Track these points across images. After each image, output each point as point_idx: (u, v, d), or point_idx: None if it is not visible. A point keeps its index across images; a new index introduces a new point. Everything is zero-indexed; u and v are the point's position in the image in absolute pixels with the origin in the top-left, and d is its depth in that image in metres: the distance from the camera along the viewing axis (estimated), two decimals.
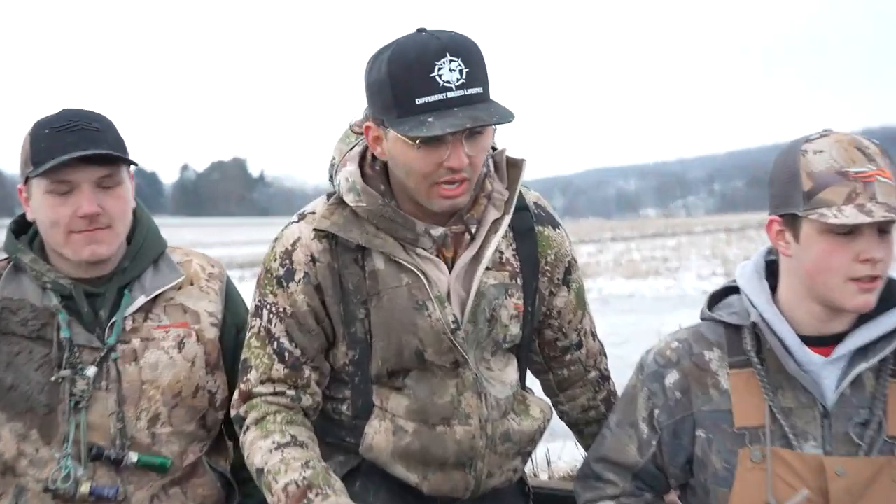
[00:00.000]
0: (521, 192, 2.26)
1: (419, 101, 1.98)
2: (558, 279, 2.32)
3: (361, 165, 2.17)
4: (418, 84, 1.98)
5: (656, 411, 2.12)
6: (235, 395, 2.20)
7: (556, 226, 2.32)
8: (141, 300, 2.31)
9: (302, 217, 2.20)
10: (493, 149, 2.26)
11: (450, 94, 1.98)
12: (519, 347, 2.31)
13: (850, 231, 1.90)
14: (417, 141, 2.01)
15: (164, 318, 2.34)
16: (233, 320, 2.42)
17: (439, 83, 1.97)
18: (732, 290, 2.16)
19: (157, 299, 2.35)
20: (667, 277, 20.96)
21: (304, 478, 2.05)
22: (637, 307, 15.78)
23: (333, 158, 2.24)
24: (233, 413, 2.20)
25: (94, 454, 2.23)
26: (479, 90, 2.01)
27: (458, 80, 1.98)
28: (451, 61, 1.98)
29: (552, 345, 2.39)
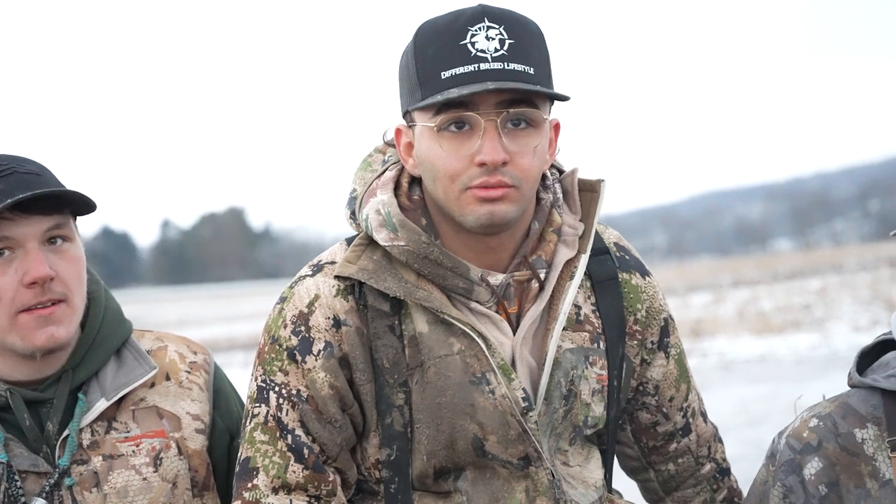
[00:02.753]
0: (597, 231, 2.27)
1: (445, 74, 2.04)
2: (652, 343, 2.32)
3: (396, 195, 2.18)
4: (445, 54, 2.03)
5: None
6: None
7: (644, 273, 2.32)
8: (101, 405, 2.31)
9: (318, 269, 2.21)
10: (560, 172, 2.26)
11: (483, 66, 2.02)
12: (603, 435, 2.30)
13: None
14: (435, 124, 2.05)
15: (132, 426, 2.34)
16: (225, 423, 2.43)
17: (471, 52, 2.03)
18: (889, 344, 2.15)
19: (123, 402, 2.35)
20: (810, 331, 20.76)
21: None
22: (772, 374, 15.63)
23: (354, 190, 2.26)
24: None
25: None
26: (529, 69, 2.03)
27: (496, 49, 2.03)
28: (488, 27, 2.04)
29: (650, 431, 2.38)
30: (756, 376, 15.39)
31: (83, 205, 2.30)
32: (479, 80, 2.02)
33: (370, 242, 2.18)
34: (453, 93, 2.01)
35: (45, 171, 2.30)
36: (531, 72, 2.05)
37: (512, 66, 2.03)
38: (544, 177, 2.22)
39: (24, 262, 2.24)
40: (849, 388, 2.15)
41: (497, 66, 2.03)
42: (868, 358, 2.17)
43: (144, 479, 2.31)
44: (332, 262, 2.20)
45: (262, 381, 2.19)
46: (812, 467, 2.11)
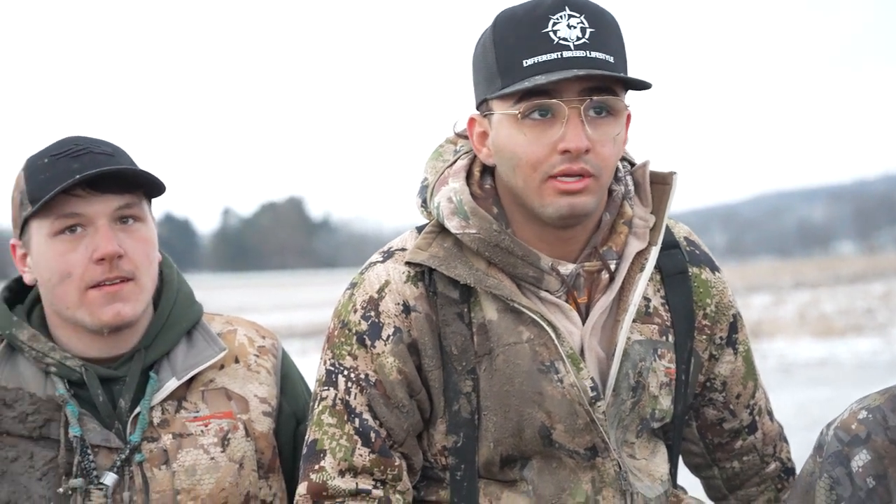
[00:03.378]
0: (668, 225, 2.27)
1: (527, 62, 2.05)
2: (721, 338, 2.31)
3: (468, 184, 2.20)
4: (527, 42, 2.05)
5: None
6: (302, 488, 2.19)
7: (714, 268, 2.32)
8: (171, 384, 2.35)
9: (389, 255, 2.22)
10: (632, 164, 2.27)
11: (566, 54, 2.04)
12: (669, 430, 2.30)
13: None
14: (519, 111, 2.05)
15: (202, 406, 2.37)
16: (291, 408, 2.45)
17: (553, 40, 2.04)
18: None
19: (193, 382, 2.38)
20: (873, 335, 20.55)
21: None
22: (832, 377, 15.49)
23: (425, 179, 2.27)
24: None
25: None
26: (609, 58, 2.05)
27: (577, 38, 2.05)
28: (570, 16, 2.05)
29: (716, 428, 2.37)
30: (816, 379, 15.25)
31: (153, 186, 2.34)
32: (564, 67, 2.03)
33: (441, 230, 2.19)
34: (539, 79, 2.02)
35: (119, 151, 2.34)
36: (611, 60, 2.06)
37: (594, 54, 2.05)
38: (616, 168, 2.22)
39: (93, 239, 2.27)
40: None
41: (580, 54, 2.04)
42: None
43: (212, 458, 2.34)
44: (403, 249, 2.21)
45: (330, 365, 2.20)
46: (860, 459, 2.09)
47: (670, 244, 2.27)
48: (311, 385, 2.33)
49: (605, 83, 2.07)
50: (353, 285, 2.22)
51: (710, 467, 2.42)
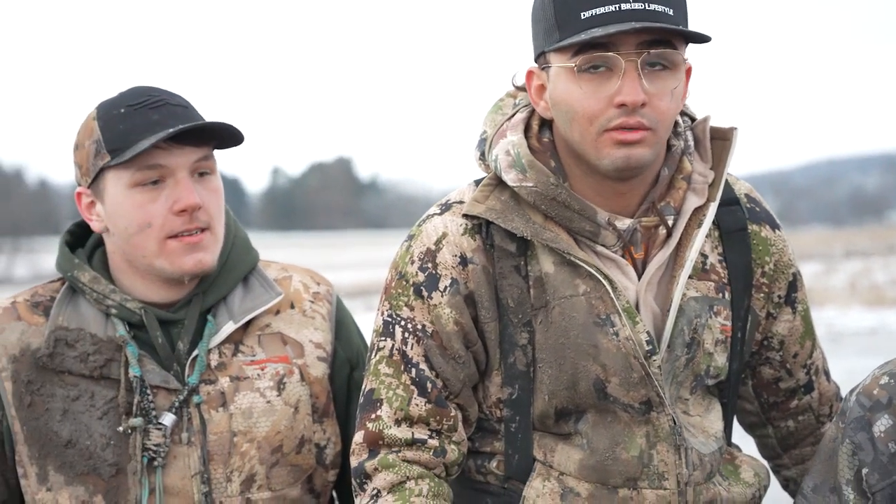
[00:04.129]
0: (729, 182, 2.27)
1: (585, 14, 2.05)
2: (779, 297, 2.30)
3: (526, 137, 2.20)
4: None
5: (864, 470, 2.10)
6: (358, 437, 2.19)
7: (775, 226, 2.30)
8: (229, 328, 2.38)
9: (447, 208, 2.22)
10: (692, 119, 2.26)
11: (624, 6, 2.03)
12: (724, 387, 2.29)
13: None
14: (576, 64, 2.06)
15: (258, 350, 2.40)
16: (346, 353, 2.47)
17: None
18: None
19: (249, 327, 2.40)
20: None
21: None
22: (882, 346, 15.35)
23: (484, 132, 2.27)
24: (353, 462, 2.20)
25: None
26: (668, 10, 2.05)
27: None
28: None
29: (772, 387, 2.37)
30: (866, 349, 15.13)
31: (228, 138, 2.36)
32: (621, 20, 2.02)
33: (499, 183, 2.19)
34: (596, 32, 2.02)
35: (189, 103, 2.37)
36: (670, 13, 2.05)
37: (652, 6, 2.04)
38: (676, 123, 2.21)
39: (174, 191, 2.30)
40: None
41: (638, 6, 2.03)
42: None
43: (268, 401, 2.37)
44: (461, 202, 2.21)
45: (388, 316, 2.21)
46: (882, 424, 2.09)
47: (730, 201, 2.26)
48: (368, 337, 2.34)
49: (663, 36, 2.06)
50: (411, 237, 2.22)
51: (764, 426, 2.42)
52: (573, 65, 2.07)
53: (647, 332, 2.15)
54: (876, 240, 51.20)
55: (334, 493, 2.53)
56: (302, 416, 2.39)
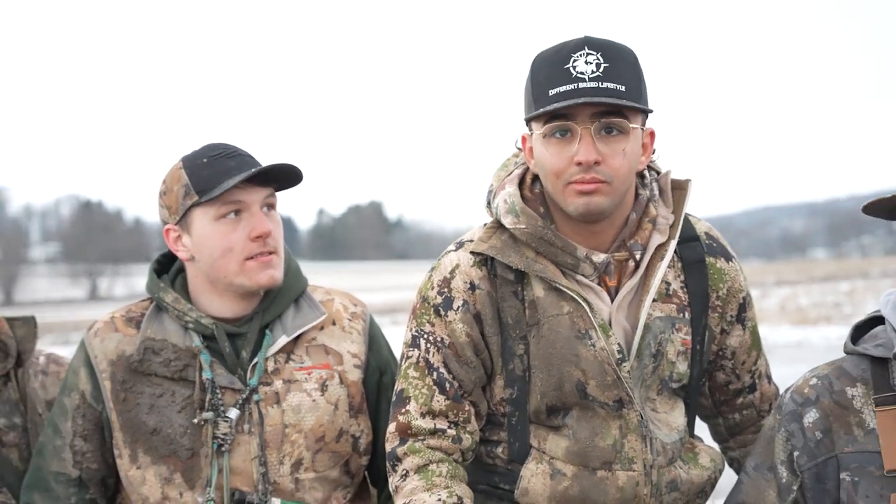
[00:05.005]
0: (691, 222, 2.26)
1: (552, 91, 2.05)
2: (731, 316, 2.29)
3: (521, 188, 2.21)
4: (553, 76, 2.05)
5: (796, 453, 2.09)
6: (391, 427, 2.20)
7: (729, 258, 2.28)
8: (282, 340, 2.37)
9: (460, 245, 2.24)
10: (658, 172, 2.26)
11: (582, 85, 2.04)
12: (687, 389, 2.28)
13: None
14: (543, 132, 2.07)
15: (306, 359, 2.38)
16: (376, 362, 2.45)
17: (572, 73, 2.04)
18: (878, 320, 2.13)
19: (299, 339, 2.39)
20: (839, 325, 20.25)
21: None
22: (806, 357, 15.25)
23: (491, 185, 2.28)
24: (387, 448, 2.20)
25: (237, 500, 2.29)
26: (620, 87, 2.04)
27: (592, 72, 2.04)
28: (588, 54, 2.05)
29: (724, 388, 2.36)
30: (793, 359, 15.02)
31: (289, 178, 2.36)
32: (577, 96, 2.03)
33: (499, 226, 2.20)
34: (556, 105, 2.04)
35: (251, 154, 2.37)
36: (622, 89, 2.04)
37: (605, 84, 2.04)
38: (643, 176, 2.21)
39: (250, 222, 2.31)
40: (844, 355, 2.13)
41: (593, 84, 2.03)
42: (861, 331, 2.14)
43: (313, 400, 2.35)
44: (471, 241, 2.22)
45: (415, 331, 2.22)
46: (810, 417, 2.08)
47: (692, 238, 2.24)
48: (394, 349, 2.34)
49: (614, 108, 2.06)
50: (433, 269, 2.24)
51: (716, 417, 2.41)
52: (542, 132, 2.09)
53: (619, 344, 2.15)
54: (800, 273, 51.03)
55: (366, 474, 2.51)
56: (341, 412, 2.38)
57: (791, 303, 27.41)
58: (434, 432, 2.16)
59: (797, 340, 17.91)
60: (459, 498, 2.11)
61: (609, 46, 2.07)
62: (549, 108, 2.04)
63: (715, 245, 2.28)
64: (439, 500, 2.10)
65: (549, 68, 2.07)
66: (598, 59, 2.05)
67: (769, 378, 2.41)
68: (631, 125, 2.08)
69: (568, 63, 2.05)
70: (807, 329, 19.82)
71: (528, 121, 2.14)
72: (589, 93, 2.03)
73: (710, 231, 2.30)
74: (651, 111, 2.10)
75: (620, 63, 2.06)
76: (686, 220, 2.24)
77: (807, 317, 22.42)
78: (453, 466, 2.15)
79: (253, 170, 2.28)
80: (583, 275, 2.15)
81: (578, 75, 2.04)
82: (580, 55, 2.05)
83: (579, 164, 2.05)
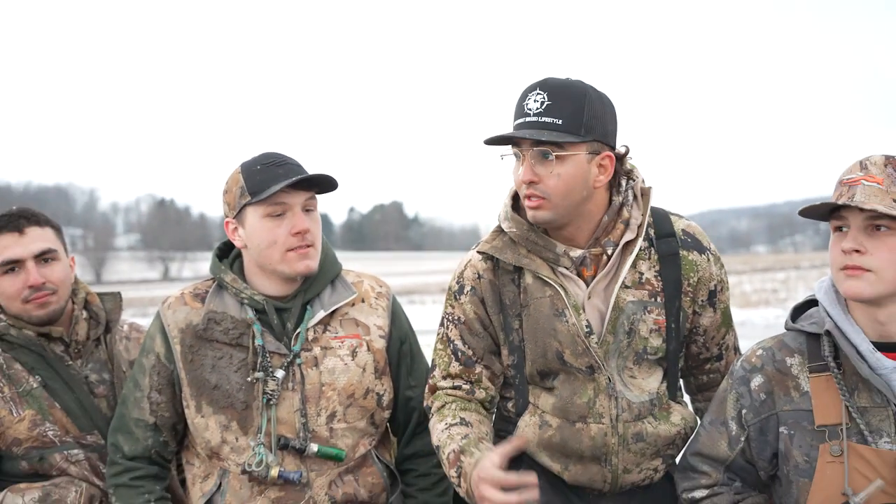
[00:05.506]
0: (671, 219, 2.25)
1: (514, 123, 2.10)
2: (703, 300, 2.26)
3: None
4: (516, 110, 2.10)
5: (744, 411, 2.11)
6: (426, 389, 2.32)
7: (702, 251, 2.25)
8: (321, 314, 2.36)
9: (475, 245, 2.30)
10: (633, 180, 2.24)
11: (528, 119, 2.07)
12: (666, 360, 2.26)
13: (839, 228, 1.98)
14: (503, 155, 2.13)
15: (339, 330, 2.38)
16: (397, 333, 2.45)
17: (524, 109, 2.08)
18: (813, 302, 2.14)
19: (334, 314, 2.39)
20: (776, 307, 20.22)
21: (459, 446, 2.10)
22: (749, 334, 15.19)
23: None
24: (424, 404, 2.32)
25: (282, 444, 2.29)
26: (557, 121, 2.05)
27: (537, 108, 2.06)
28: (538, 94, 2.07)
29: (696, 357, 2.34)
30: (739, 335, 15.04)
31: (327, 185, 2.34)
32: (522, 128, 2.07)
33: (501, 230, 2.24)
34: (504, 134, 2.09)
35: (299, 163, 2.36)
36: (559, 122, 2.05)
37: (546, 119, 2.05)
38: (620, 184, 2.20)
39: (291, 220, 2.29)
40: (784, 331, 2.14)
41: (535, 118, 2.06)
42: (799, 311, 2.15)
43: (345, 364, 2.35)
44: (482, 241, 2.28)
45: (443, 315, 2.30)
46: (756, 381, 2.09)
47: (668, 234, 2.23)
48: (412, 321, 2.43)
49: (550, 138, 2.05)
50: (458, 265, 2.31)
51: (687, 378, 2.39)
52: (501, 155, 2.14)
53: (587, 321, 2.16)
54: (745, 264, 50.90)
55: (388, 426, 2.51)
56: (368, 374, 2.37)
57: (737, 289, 27.33)
58: (453, 388, 2.27)
59: (741, 320, 17.78)
60: (461, 418, 2.18)
61: (557, 85, 2.07)
62: (497, 136, 2.09)
63: (689, 240, 2.25)
64: (446, 424, 2.17)
65: (517, 103, 2.12)
66: (543, 98, 2.06)
67: (736, 349, 2.38)
68: (567, 153, 2.07)
69: (525, 100, 2.09)
70: (749, 311, 19.77)
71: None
72: (530, 126, 2.06)
73: (688, 228, 2.26)
74: (564, 143, 2.05)
75: (563, 100, 2.06)
76: (667, 218, 2.24)
77: (749, 300, 22.37)
78: (463, 403, 2.22)
79: (295, 178, 2.27)
80: (564, 267, 2.17)
81: (527, 111, 2.07)
82: (532, 95, 2.08)
83: (523, 182, 2.09)
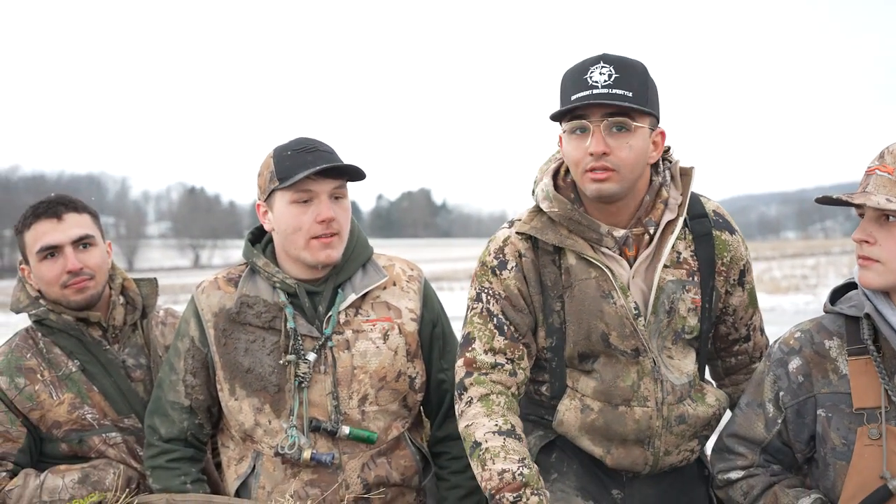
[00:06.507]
0: (701, 201, 2.26)
1: (573, 97, 2.06)
2: (734, 280, 2.27)
3: (555, 179, 2.22)
4: (574, 85, 2.06)
5: (781, 393, 2.10)
6: (459, 362, 2.21)
7: (732, 231, 2.26)
8: (352, 297, 2.36)
9: (511, 224, 2.26)
10: (670, 161, 2.24)
11: (595, 91, 2.04)
12: (699, 340, 2.26)
13: (861, 215, 1.97)
14: (566, 129, 2.08)
15: (371, 313, 2.38)
16: (429, 316, 2.44)
17: (588, 82, 2.04)
18: (853, 285, 2.12)
19: (366, 297, 2.39)
20: (806, 293, 20.02)
21: (521, 474, 2.05)
22: (778, 320, 15.08)
23: (536, 177, 2.30)
24: (456, 378, 2.22)
25: (314, 426, 2.30)
26: (628, 93, 2.03)
27: (605, 81, 2.04)
28: (602, 66, 2.05)
29: (724, 338, 2.34)
30: (768, 321, 14.72)
31: (355, 174, 2.33)
32: (590, 100, 2.04)
33: (539, 209, 2.21)
34: (569, 106, 2.06)
35: (333, 149, 2.35)
36: (629, 95, 2.04)
37: (614, 90, 2.03)
38: (658, 165, 2.20)
39: (317, 208, 2.29)
40: (823, 313, 2.13)
41: (604, 90, 2.04)
42: (837, 294, 2.13)
43: (377, 347, 2.35)
44: (520, 220, 2.24)
45: (477, 289, 2.23)
46: (794, 363, 2.09)
47: (701, 215, 2.24)
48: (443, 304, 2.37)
49: (621, 110, 2.05)
50: (489, 241, 2.27)
51: (715, 360, 2.38)
52: (565, 129, 2.10)
53: (635, 303, 2.15)
54: (774, 250, 50.45)
55: (421, 408, 2.51)
56: (399, 356, 2.37)
57: (766, 275, 27.09)
58: (495, 366, 2.18)
59: (771, 306, 17.66)
60: (512, 426, 2.12)
61: (621, 61, 2.06)
62: (566, 107, 2.05)
63: (721, 221, 2.26)
64: (496, 424, 2.11)
65: (572, 78, 2.08)
66: (610, 70, 2.05)
67: (762, 331, 2.39)
68: (636, 124, 2.07)
69: (586, 74, 2.06)
70: (779, 297, 19.59)
71: (560, 122, 2.14)
72: (599, 97, 2.03)
73: (718, 209, 2.28)
74: (652, 113, 2.08)
75: (629, 74, 2.05)
76: (698, 199, 2.25)
77: (779, 286, 22.16)
78: (510, 399, 2.17)
79: (321, 165, 2.25)
80: (606, 247, 2.15)
81: (593, 84, 2.04)
82: (596, 68, 2.05)
83: (592, 154, 2.05)
